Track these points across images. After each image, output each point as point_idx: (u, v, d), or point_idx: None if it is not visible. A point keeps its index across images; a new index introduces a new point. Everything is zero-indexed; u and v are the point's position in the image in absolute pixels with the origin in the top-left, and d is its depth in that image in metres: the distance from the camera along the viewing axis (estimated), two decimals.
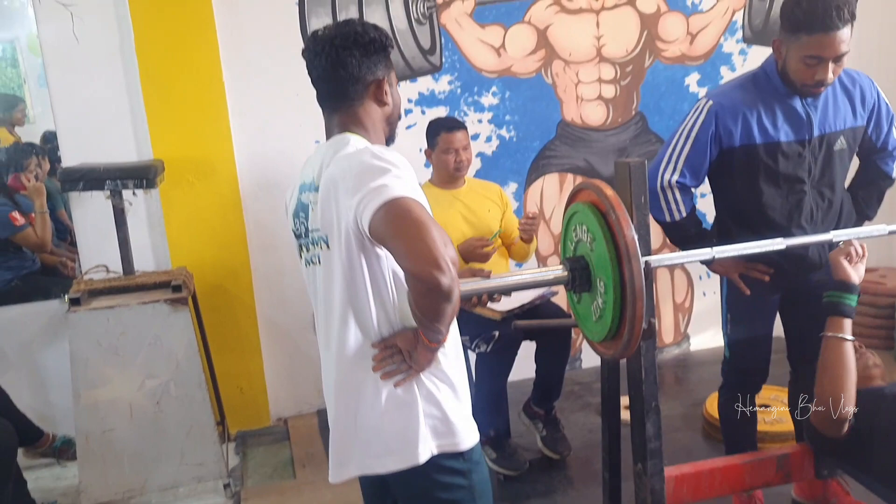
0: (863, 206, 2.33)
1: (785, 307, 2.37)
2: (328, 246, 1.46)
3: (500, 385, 2.77)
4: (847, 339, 1.71)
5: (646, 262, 1.74)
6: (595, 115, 3.71)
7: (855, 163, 2.36)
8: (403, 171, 1.38)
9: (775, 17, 3.81)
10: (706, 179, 2.28)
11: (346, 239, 1.40)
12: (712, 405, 3.13)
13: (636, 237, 1.62)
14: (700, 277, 3.98)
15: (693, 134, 2.14)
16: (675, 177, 2.16)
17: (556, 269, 1.79)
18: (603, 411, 2.24)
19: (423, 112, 3.43)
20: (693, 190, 2.23)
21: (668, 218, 2.22)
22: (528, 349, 2.92)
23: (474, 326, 2.63)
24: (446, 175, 2.88)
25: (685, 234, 2.25)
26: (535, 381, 2.92)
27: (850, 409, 1.69)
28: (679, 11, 3.71)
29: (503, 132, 3.61)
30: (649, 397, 1.88)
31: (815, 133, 2.12)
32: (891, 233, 1.97)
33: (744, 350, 2.34)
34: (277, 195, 3.25)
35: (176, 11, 3.01)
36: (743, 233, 2.13)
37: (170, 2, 2.99)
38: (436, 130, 2.86)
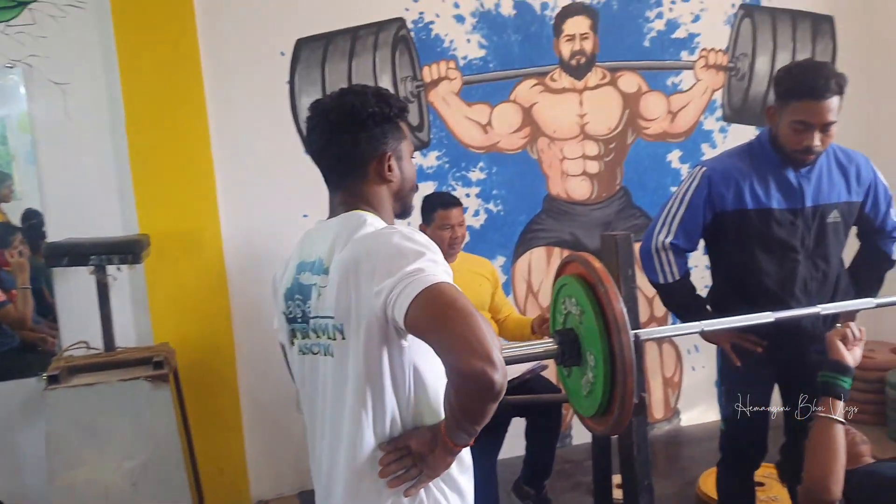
0: (864, 287, 2.34)
1: (782, 380, 2.35)
2: (343, 336, 1.29)
3: (489, 464, 2.69)
4: (838, 421, 1.68)
5: (635, 335, 1.73)
6: (580, 189, 3.76)
7: (856, 243, 2.40)
8: (438, 255, 1.28)
9: (754, 97, 3.94)
10: (702, 245, 2.32)
11: (368, 329, 1.26)
12: (706, 483, 3.07)
13: (625, 310, 1.61)
14: (689, 351, 3.96)
15: (687, 198, 2.21)
16: (670, 238, 2.21)
17: (545, 343, 1.77)
18: (595, 491, 2.18)
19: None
20: (687, 254, 2.27)
21: (661, 279, 2.25)
22: (518, 426, 2.87)
23: None
24: (441, 251, 2.88)
25: (678, 297, 2.28)
26: (526, 459, 2.85)
27: (836, 491, 1.64)
28: (660, 91, 3.82)
29: (490, 206, 3.64)
30: (642, 476, 1.84)
31: (808, 203, 2.16)
32: (878, 306, 1.99)
33: (739, 423, 2.29)
34: (264, 269, 3.26)
35: (167, 88, 3.05)
36: (737, 300, 2.13)
37: (161, 79, 3.04)
38: (432, 206, 2.88)
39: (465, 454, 1.39)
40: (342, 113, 1.38)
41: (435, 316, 1.16)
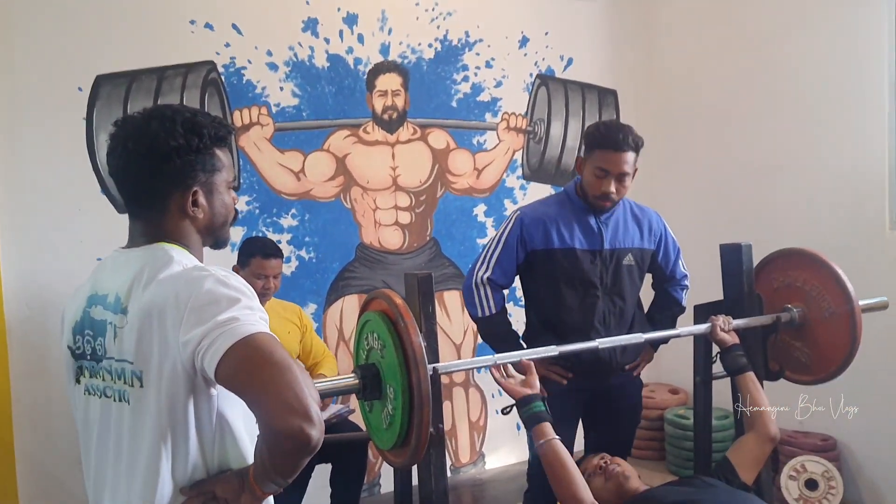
0: (658, 328, 2.58)
1: (587, 411, 2.54)
2: (142, 384, 1.19)
3: None
4: (551, 440, 1.81)
5: (433, 369, 1.81)
6: (392, 239, 3.86)
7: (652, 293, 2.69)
8: (254, 301, 1.20)
9: (549, 159, 4.29)
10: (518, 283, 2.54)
11: (172, 379, 1.17)
12: None
13: (423, 343, 1.68)
14: (493, 395, 4.13)
15: (503, 238, 2.44)
16: (488, 274, 2.41)
17: (347, 378, 1.79)
18: None
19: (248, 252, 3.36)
20: (503, 290, 2.47)
21: (480, 313, 2.44)
22: (323, 476, 2.83)
23: None
24: None
25: (495, 330, 2.45)
26: None
27: (587, 496, 1.78)
28: (466, 149, 4.05)
29: (302, 253, 3.63)
30: None
31: (606, 246, 2.42)
32: (646, 340, 2.22)
33: None
34: (51, 318, 3.01)
35: None
36: (547, 335, 2.30)
37: None
38: (251, 251, 2.83)
39: (271, 498, 1.34)
40: (142, 142, 1.25)
41: (250, 371, 1.10)
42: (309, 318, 3.15)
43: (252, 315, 1.17)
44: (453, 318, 4.04)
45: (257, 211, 3.52)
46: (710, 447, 2.44)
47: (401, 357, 1.68)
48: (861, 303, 2.30)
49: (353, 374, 1.79)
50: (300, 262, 3.63)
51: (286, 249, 3.58)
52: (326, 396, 2.79)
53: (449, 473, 3.97)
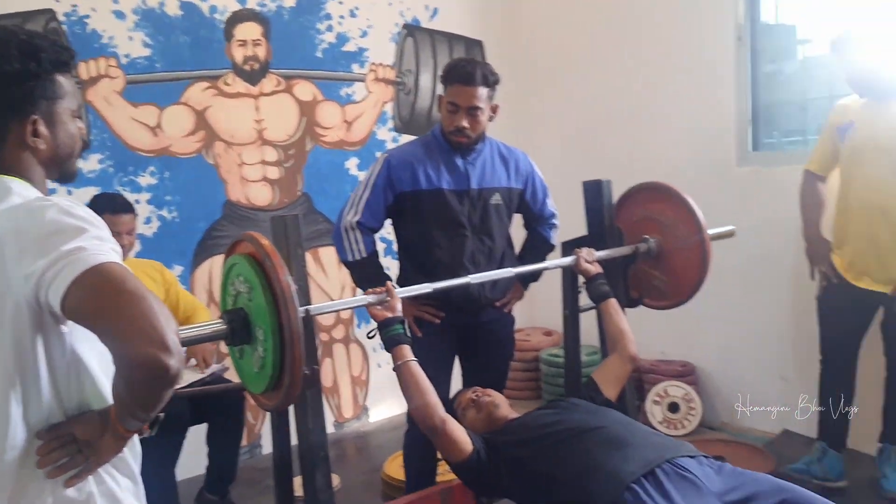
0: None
1: (462, 347, 2.59)
2: None
3: (168, 472, 2.54)
4: (408, 361, 1.89)
5: (305, 311, 1.78)
6: (261, 195, 3.74)
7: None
8: (104, 231, 1.14)
9: (419, 110, 4.29)
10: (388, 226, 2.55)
11: (16, 317, 1.09)
12: (390, 467, 3.23)
13: (291, 282, 1.65)
14: (374, 350, 4.14)
15: (371, 181, 2.41)
16: (357, 217, 2.39)
17: (214, 323, 1.73)
18: (276, 486, 2.16)
19: (69, 192, 3.15)
20: (374, 234, 2.45)
21: (350, 257, 2.42)
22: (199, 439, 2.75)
23: None
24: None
25: (366, 273, 2.43)
26: (208, 466, 2.74)
27: (438, 415, 1.85)
28: (334, 101, 3.97)
29: (164, 213, 3.46)
30: (318, 448, 1.88)
31: (474, 186, 2.44)
32: (516, 274, 2.28)
33: None
34: None
35: None
36: (419, 277, 2.30)
37: None
38: (99, 209, 2.63)
39: (135, 438, 1.29)
40: None
41: (100, 301, 1.03)
42: (172, 274, 3.01)
43: (102, 245, 1.09)
44: (329, 273, 3.99)
45: (112, 170, 3.31)
46: (579, 375, 2.55)
47: (269, 297, 1.64)
48: (710, 231, 2.45)
49: (220, 320, 1.73)
50: (162, 222, 3.46)
51: (146, 209, 3.40)
52: (194, 343, 2.69)
53: (332, 429, 4.00)
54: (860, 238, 2.73)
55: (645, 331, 3.87)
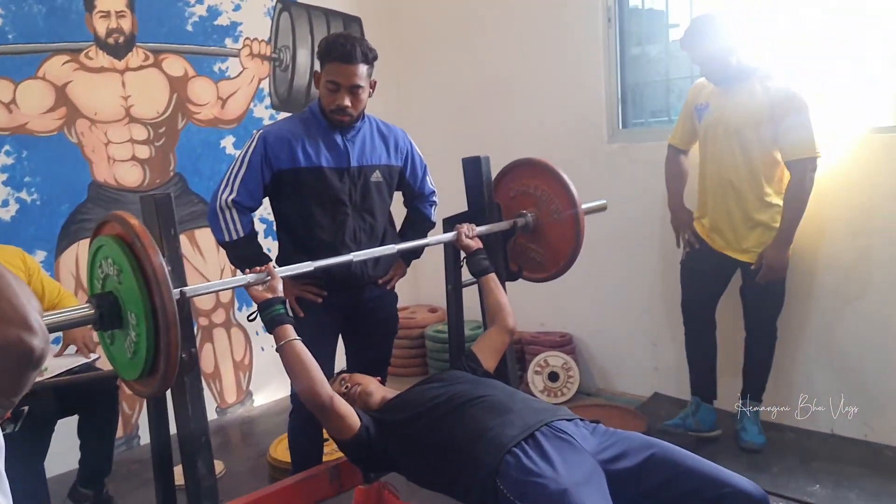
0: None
1: (345, 327, 2.57)
2: None
3: (36, 470, 2.40)
4: (291, 340, 1.85)
5: (180, 292, 1.72)
6: (130, 176, 3.56)
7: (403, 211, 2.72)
8: None
9: (297, 87, 4.20)
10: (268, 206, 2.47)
11: None
12: (276, 450, 3.19)
13: (164, 263, 1.59)
14: (257, 333, 4.05)
15: (247, 158, 2.32)
16: (233, 196, 2.30)
17: (81, 308, 1.65)
18: (155, 475, 2.09)
19: None
20: (251, 213, 2.37)
21: (227, 237, 2.33)
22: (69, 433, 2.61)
23: None
24: None
25: (245, 253, 2.36)
26: (81, 460, 2.60)
27: (325, 392, 1.84)
28: (207, 77, 3.82)
29: (23, 195, 3.23)
30: (199, 433, 1.83)
31: (354, 163, 2.40)
32: (399, 250, 2.29)
33: None
34: None
35: None
36: (300, 256, 2.26)
37: None
38: None
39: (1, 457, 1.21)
40: None
41: None
42: (35, 260, 2.82)
43: None
44: (208, 257, 3.86)
45: None
46: (463, 349, 2.60)
47: (140, 280, 1.57)
48: (584, 206, 2.56)
49: (87, 304, 1.65)
50: (21, 205, 3.23)
51: (2, 191, 3.16)
52: (59, 329, 2.55)
53: (215, 415, 3.89)
54: (717, 210, 2.94)
55: (526, 304, 4.03)
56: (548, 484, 1.51)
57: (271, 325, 1.86)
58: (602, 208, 2.75)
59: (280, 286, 1.90)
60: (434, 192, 2.76)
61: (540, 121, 3.89)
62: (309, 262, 2.02)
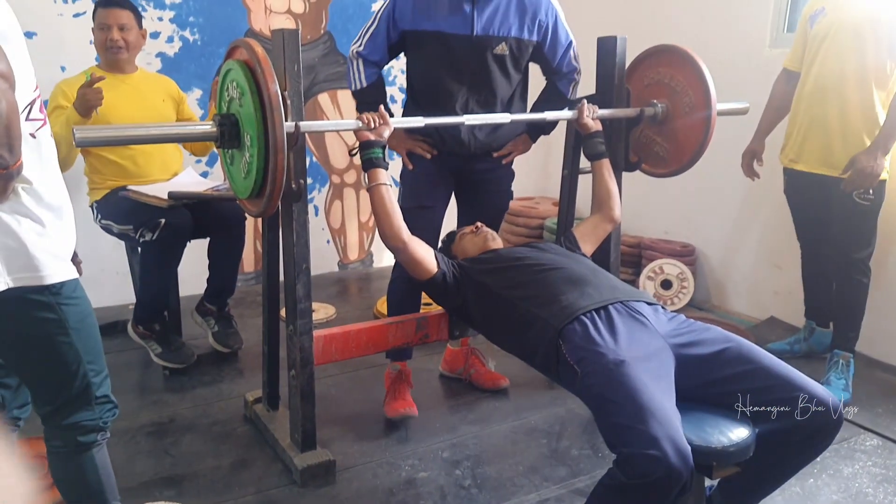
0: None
1: (458, 192, 2.62)
2: None
3: (166, 277, 2.69)
4: (381, 184, 1.97)
5: (295, 125, 1.83)
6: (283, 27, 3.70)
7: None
8: None
9: None
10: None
11: None
12: (382, 304, 3.38)
13: (279, 91, 1.68)
14: None
15: (379, 16, 2.39)
16: (360, 49, 2.40)
17: (205, 125, 1.79)
18: (263, 295, 2.29)
19: (93, 1, 3.15)
20: (376, 67, 2.42)
21: (353, 86, 2.43)
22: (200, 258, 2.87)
23: (140, 215, 2.52)
24: (104, 56, 2.71)
25: (365, 102, 2.41)
26: (208, 278, 2.88)
27: (402, 236, 2.00)
28: None
29: (186, 34, 3.46)
30: (300, 260, 1.98)
31: (478, 31, 2.34)
32: (512, 121, 2.27)
33: (413, 219, 2.32)
34: None
35: None
36: (418, 113, 2.31)
37: None
38: (95, 6, 2.68)
39: (50, 196, 1.34)
40: None
41: None
42: (182, 92, 3.02)
43: None
44: (347, 118, 4.01)
45: None
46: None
47: (257, 104, 1.68)
48: (721, 106, 2.41)
49: (211, 122, 1.79)
50: (184, 43, 3.46)
51: (168, 28, 3.40)
52: (183, 141, 2.78)
53: (336, 269, 4.14)
54: (810, 117, 2.68)
55: (652, 210, 3.92)
56: (606, 353, 1.53)
57: (367, 166, 1.98)
58: (743, 111, 2.58)
59: (386, 133, 1.98)
60: (576, 69, 2.58)
61: (700, 15, 3.62)
62: (420, 118, 2.06)
